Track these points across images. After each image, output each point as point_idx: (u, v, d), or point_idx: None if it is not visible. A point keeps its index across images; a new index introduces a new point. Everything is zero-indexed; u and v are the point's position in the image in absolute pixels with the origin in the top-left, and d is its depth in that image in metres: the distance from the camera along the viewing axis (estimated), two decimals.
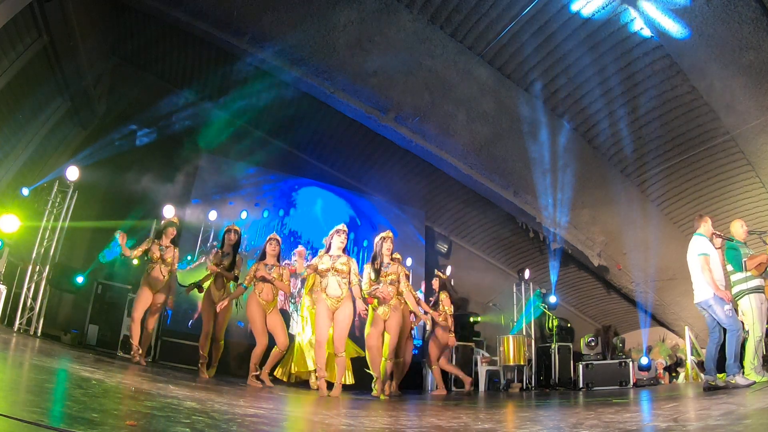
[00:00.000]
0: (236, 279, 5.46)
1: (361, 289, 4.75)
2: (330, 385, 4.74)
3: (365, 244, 9.22)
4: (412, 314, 5.92)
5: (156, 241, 5.51)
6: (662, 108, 6.77)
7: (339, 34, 6.49)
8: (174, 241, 5.64)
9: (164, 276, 5.39)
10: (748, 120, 6.41)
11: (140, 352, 5.31)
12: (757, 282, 4.60)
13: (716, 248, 4.74)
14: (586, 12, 5.78)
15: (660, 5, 5.35)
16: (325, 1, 6.17)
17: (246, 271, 5.37)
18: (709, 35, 5.44)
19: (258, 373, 5.06)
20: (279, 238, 5.29)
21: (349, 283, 4.66)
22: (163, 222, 5.85)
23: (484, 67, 6.83)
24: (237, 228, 5.60)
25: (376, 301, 4.97)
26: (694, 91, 6.38)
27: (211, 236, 7.84)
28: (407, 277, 5.44)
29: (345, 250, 4.80)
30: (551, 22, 6.05)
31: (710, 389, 4.28)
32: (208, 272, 5.48)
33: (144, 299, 5.28)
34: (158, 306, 5.43)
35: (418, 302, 5.90)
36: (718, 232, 4.81)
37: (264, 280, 5.00)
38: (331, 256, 4.70)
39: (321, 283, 4.65)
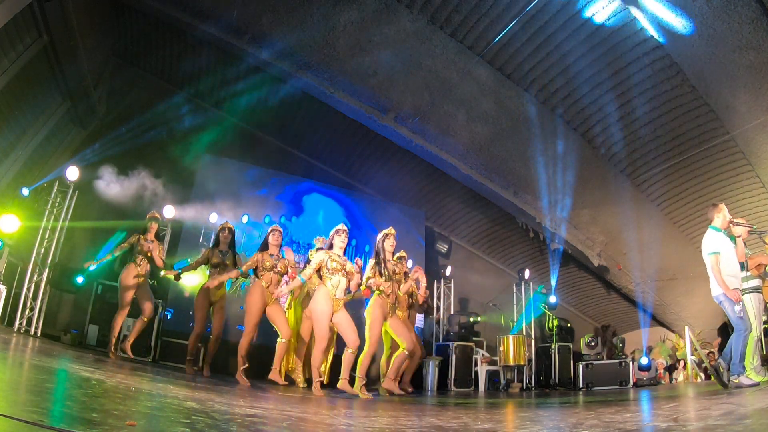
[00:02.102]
0: (246, 276, 5.54)
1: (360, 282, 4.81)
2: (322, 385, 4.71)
3: (366, 249, 9.20)
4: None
5: (142, 236, 5.81)
6: (662, 108, 6.77)
7: (339, 34, 6.49)
8: (158, 237, 6.06)
9: (145, 266, 5.74)
10: (748, 120, 6.41)
11: (115, 346, 5.60)
12: (756, 282, 4.61)
13: (736, 236, 4.56)
14: (588, 12, 5.78)
15: (660, 6, 5.35)
16: (325, 1, 6.17)
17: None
18: (709, 35, 5.44)
19: (246, 366, 5.00)
20: (281, 229, 5.29)
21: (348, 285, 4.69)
22: (146, 217, 6.02)
23: (484, 67, 6.83)
24: (230, 225, 5.64)
25: (376, 293, 4.92)
26: (694, 91, 6.38)
27: (212, 239, 7.79)
28: (406, 275, 5.45)
29: (345, 251, 4.81)
30: (551, 23, 6.05)
31: (716, 373, 4.32)
32: (196, 262, 5.61)
33: (128, 294, 5.61)
34: (148, 296, 5.72)
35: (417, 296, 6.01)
36: (735, 220, 4.61)
37: (274, 270, 4.99)
38: (339, 256, 4.68)
39: (329, 281, 4.57)
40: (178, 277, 5.57)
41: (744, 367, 4.25)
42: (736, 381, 4.21)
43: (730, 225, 4.55)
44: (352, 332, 4.55)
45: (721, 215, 4.51)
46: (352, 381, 4.74)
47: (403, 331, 5.09)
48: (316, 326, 4.61)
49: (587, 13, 5.79)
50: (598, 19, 5.80)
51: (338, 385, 4.63)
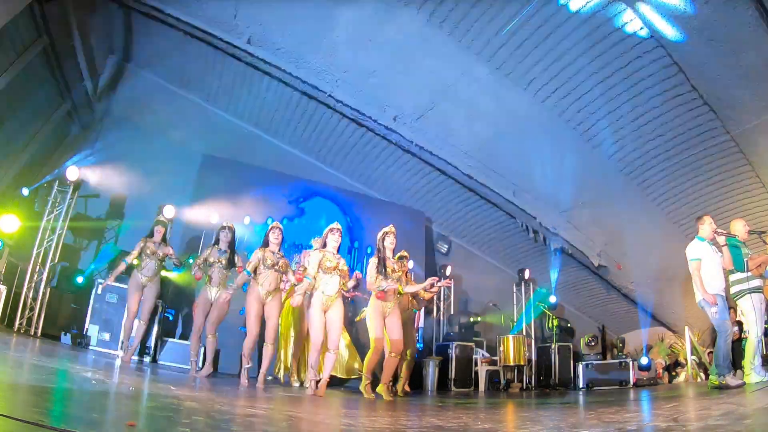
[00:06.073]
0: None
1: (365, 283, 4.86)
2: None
3: (369, 250, 9.17)
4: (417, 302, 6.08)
5: (148, 239, 5.77)
6: (662, 108, 6.77)
7: (339, 33, 6.48)
8: (164, 239, 5.97)
9: (154, 270, 5.67)
10: (748, 120, 6.41)
11: (132, 349, 5.55)
12: (757, 282, 4.62)
13: (722, 245, 4.75)
14: (585, 11, 5.78)
15: (660, 5, 5.35)
16: (325, 0, 6.17)
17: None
18: (709, 35, 5.44)
19: (250, 366, 4.97)
20: (281, 226, 5.28)
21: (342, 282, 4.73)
22: (154, 221, 6.00)
23: (484, 67, 6.83)
24: (231, 225, 5.66)
25: (374, 295, 4.91)
26: (694, 91, 6.38)
27: (213, 240, 7.77)
28: (406, 273, 5.44)
29: (338, 249, 4.85)
30: (551, 22, 6.05)
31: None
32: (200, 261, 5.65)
33: (135, 296, 5.55)
34: (151, 298, 5.66)
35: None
36: (720, 230, 4.82)
37: (275, 269, 4.99)
38: (333, 254, 4.73)
39: (323, 279, 4.64)
40: (180, 264, 5.83)
41: (730, 368, 4.30)
42: (724, 381, 4.22)
43: (715, 235, 4.78)
44: (333, 331, 4.61)
45: (706, 226, 4.79)
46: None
47: (395, 331, 4.96)
48: (312, 331, 4.67)
49: (584, 11, 5.78)
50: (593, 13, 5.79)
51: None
